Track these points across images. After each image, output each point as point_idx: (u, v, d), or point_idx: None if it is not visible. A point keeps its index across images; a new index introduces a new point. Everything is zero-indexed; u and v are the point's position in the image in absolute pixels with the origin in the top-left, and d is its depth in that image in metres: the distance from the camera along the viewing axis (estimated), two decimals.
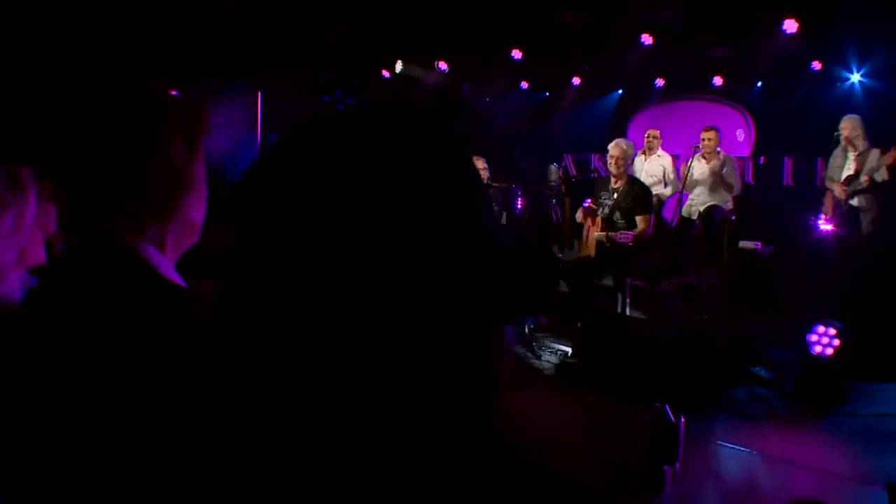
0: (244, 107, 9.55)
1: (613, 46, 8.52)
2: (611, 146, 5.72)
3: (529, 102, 10.56)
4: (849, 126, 5.97)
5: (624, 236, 5.12)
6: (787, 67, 8.17)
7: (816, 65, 8.06)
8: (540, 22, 8.11)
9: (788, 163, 8.65)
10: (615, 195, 5.54)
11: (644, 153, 7.14)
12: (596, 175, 6.52)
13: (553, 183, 7.92)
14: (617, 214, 5.44)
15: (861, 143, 5.95)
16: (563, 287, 5.54)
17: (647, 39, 8.11)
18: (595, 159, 10.52)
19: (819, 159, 8.14)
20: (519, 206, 8.02)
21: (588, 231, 5.65)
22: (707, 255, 6.16)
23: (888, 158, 5.73)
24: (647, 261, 5.57)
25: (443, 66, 9.63)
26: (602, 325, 5.14)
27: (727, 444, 3.57)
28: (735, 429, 3.66)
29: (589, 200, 5.78)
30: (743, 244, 6.88)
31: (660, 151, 7.15)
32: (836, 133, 6.05)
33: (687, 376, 4.13)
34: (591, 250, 5.52)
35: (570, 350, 4.98)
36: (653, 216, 5.58)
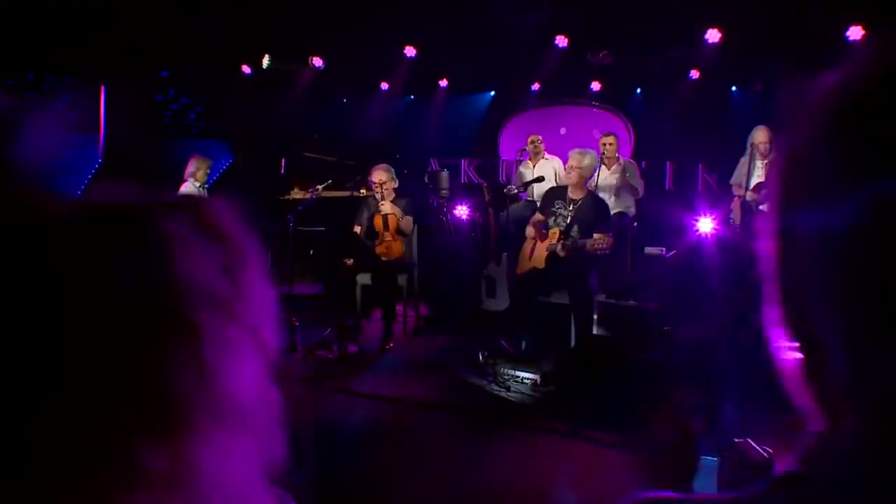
0: (76, 105, 8.04)
1: (488, 48, 8.25)
2: (573, 155, 5.26)
3: (393, 106, 10.00)
4: (761, 135, 6.09)
5: (604, 242, 4.61)
6: (667, 75, 8.36)
7: (695, 73, 8.32)
8: (410, 22, 7.71)
9: (670, 168, 8.86)
10: (571, 207, 5.08)
11: (531, 159, 7.09)
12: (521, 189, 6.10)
13: (444, 192, 7.48)
14: (575, 228, 4.99)
15: (771, 152, 6.09)
16: (505, 304, 5.03)
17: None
18: (465, 164, 10.18)
19: (700, 164, 8.42)
20: None
21: (535, 243, 5.16)
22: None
23: None
24: (612, 275, 5.22)
25: (318, 62, 8.73)
26: (576, 348, 4.70)
27: None
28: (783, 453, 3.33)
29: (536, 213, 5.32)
30: (648, 250, 6.83)
31: (546, 155, 7.12)
32: (749, 141, 6.15)
33: (689, 399, 3.80)
34: (540, 263, 5.03)
35: (537, 378, 4.47)
36: (612, 233, 5.24)
